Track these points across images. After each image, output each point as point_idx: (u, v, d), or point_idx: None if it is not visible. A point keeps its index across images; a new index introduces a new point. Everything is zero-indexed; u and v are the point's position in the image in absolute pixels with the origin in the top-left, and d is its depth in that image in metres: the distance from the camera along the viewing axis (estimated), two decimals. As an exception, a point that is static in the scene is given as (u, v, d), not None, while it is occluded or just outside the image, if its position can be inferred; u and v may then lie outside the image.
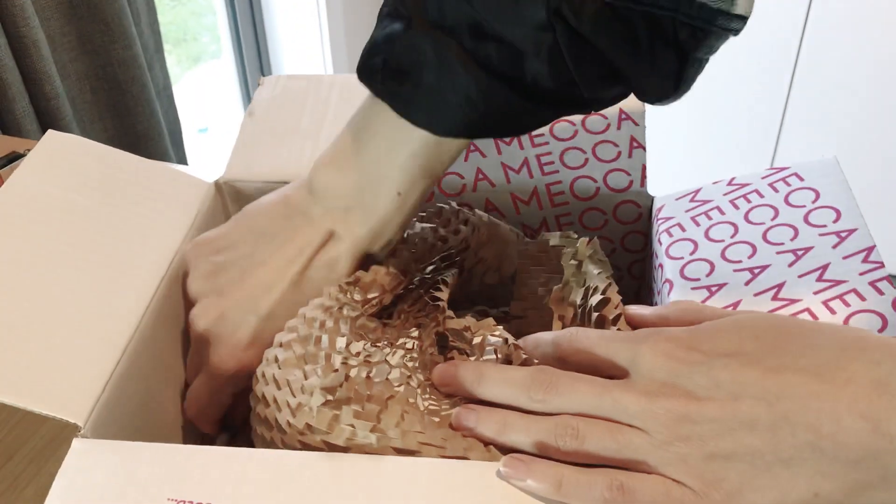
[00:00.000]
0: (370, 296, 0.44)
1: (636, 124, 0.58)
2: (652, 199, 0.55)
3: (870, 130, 1.61)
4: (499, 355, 0.39)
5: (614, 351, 0.35)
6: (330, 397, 0.37)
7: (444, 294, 0.43)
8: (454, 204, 0.53)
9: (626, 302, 0.41)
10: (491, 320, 0.42)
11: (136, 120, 1.20)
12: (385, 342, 0.41)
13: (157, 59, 1.27)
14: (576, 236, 0.46)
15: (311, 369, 0.38)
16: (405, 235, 0.49)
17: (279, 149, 0.60)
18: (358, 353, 0.39)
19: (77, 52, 1.13)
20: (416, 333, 0.42)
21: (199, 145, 1.93)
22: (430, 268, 0.48)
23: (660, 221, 0.52)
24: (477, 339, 0.40)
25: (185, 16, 2.58)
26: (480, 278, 0.51)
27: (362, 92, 0.64)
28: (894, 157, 1.61)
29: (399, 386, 0.38)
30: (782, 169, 0.48)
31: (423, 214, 0.51)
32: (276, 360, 0.40)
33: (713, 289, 0.43)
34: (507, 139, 0.59)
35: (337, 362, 0.38)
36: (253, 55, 1.74)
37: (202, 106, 2.12)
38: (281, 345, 0.41)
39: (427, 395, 0.38)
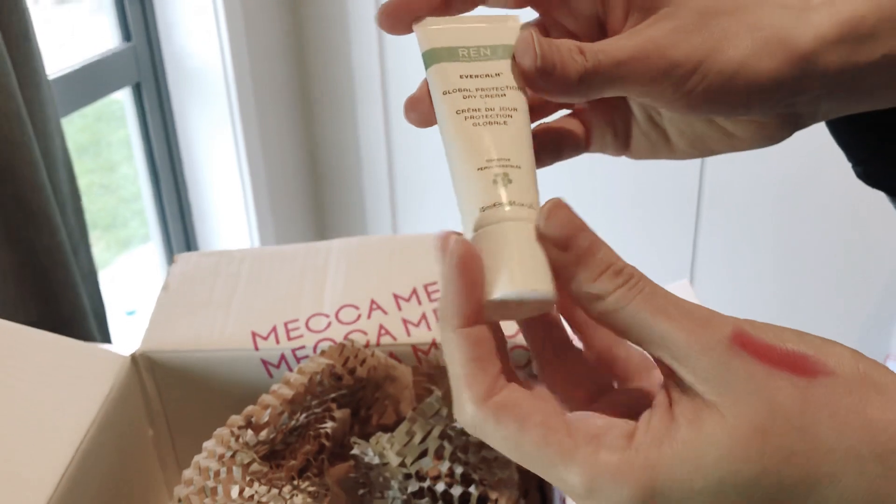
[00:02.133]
0: (262, 437, 0.47)
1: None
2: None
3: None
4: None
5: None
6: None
7: (328, 426, 0.46)
8: (357, 342, 0.57)
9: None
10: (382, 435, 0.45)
11: (61, 305, 1.22)
12: (281, 482, 0.44)
13: (82, 244, 1.31)
14: None
15: (211, 521, 0.41)
16: (302, 367, 0.53)
17: (192, 320, 0.64)
18: (251, 497, 0.42)
19: (2, 243, 1.17)
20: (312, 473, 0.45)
21: (127, 327, 1.95)
22: (321, 406, 0.51)
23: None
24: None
25: (114, 202, 2.64)
26: (378, 418, 0.54)
27: (271, 264, 0.69)
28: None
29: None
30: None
31: (324, 350, 0.55)
32: (180, 516, 0.42)
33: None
34: (406, 296, 0.64)
35: (234, 509, 0.40)
36: (180, 238, 1.79)
37: (132, 289, 2.15)
38: (180, 500, 0.43)
39: None
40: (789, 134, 0.37)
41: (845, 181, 1.54)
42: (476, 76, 0.33)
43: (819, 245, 1.65)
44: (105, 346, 0.62)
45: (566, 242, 0.28)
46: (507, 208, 0.29)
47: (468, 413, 0.27)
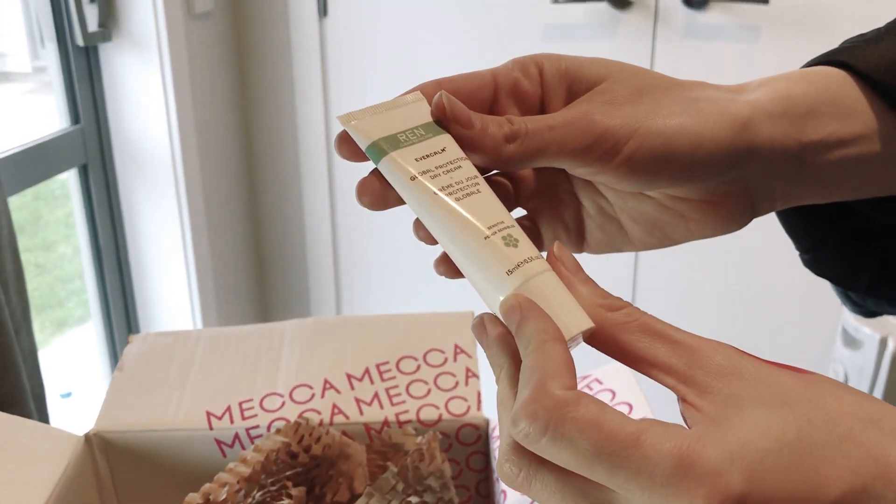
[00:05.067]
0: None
1: (469, 357, 0.67)
2: (488, 421, 0.63)
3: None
4: None
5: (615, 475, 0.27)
6: None
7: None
8: (311, 420, 0.58)
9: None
10: None
11: (1, 386, 1.20)
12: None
13: (24, 325, 1.30)
14: (413, 432, 0.53)
15: None
16: (259, 446, 0.54)
17: (147, 400, 0.65)
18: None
19: (-58, 323, 1.15)
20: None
21: (63, 410, 1.90)
22: (277, 484, 0.52)
23: (496, 440, 0.59)
24: None
25: (50, 282, 2.60)
26: (333, 496, 0.55)
27: (226, 345, 0.71)
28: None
29: None
30: (585, 377, 0.57)
31: (280, 429, 0.56)
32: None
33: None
34: (359, 376, 0.66)
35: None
36: (121, 320, 1.77)
37: (67, 371, 2.10)
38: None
39: None
40: (747, 218, 0.38)
41: (777, 267, 1.59)
42: (428, 156, 0.34)
43: (751, 329, 1.72)
44: (57, 426, 0.63)
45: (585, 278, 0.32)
46: (528, 265, 0.32)
47: (555, 398, 0.27)
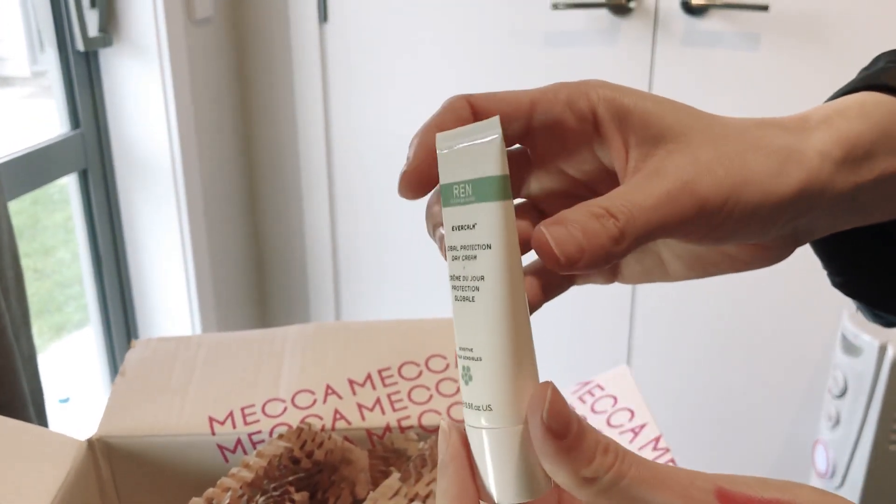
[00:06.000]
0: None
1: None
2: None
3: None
4: None
5: None
6: None
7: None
8: (314, 425, 0.58)
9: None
10: None
11: (1, 389, 1.20)
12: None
13: (23, 330, 1.30)
14: (415, 437, 0.53)
15: None
16: (261, 451, 0.54)
17: (150, 406, 0.65)
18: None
19: (-59, 328, 1.15)
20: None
21: (60, 416, 1.90)
22: (279, 490, 0.52)
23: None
24: None
25: (48, 287, 2.60)
26: (335, 501, 0.55)
27: (228, 350, 0.71)
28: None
29: None
30: (587, 383, 0.57)
31: (282, 434, 0.57)
32: None
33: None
34: (361, 381, 0.66)
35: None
36: (120, 325, 1.77)
37: (65, 376, 2.10)
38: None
39: None
40: (790, 253, 0.36)
41: (776, 275, 1.60)
42: (461, 227, 0.30)
43: (751, 335, 1.72)
44: (59, 431, 0.63)
45: (564, 433, 0.27)
46: (475, 412, 0.29)
47: None
